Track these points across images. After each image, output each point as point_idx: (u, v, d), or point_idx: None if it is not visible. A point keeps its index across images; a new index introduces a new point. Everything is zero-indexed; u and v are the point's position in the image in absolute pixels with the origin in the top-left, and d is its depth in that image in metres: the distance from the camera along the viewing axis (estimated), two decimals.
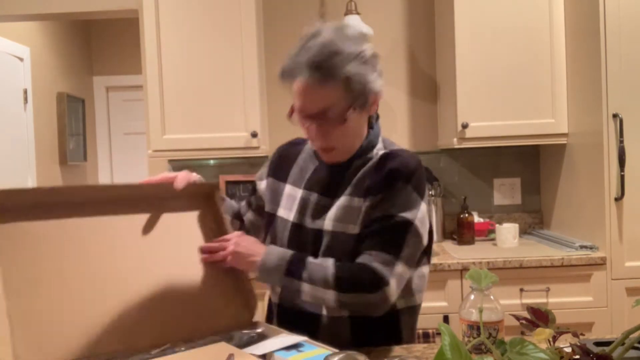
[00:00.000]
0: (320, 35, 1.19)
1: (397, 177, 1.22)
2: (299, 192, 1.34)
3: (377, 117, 1.36)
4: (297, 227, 1.30)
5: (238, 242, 1.22)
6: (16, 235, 1.02)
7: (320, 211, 1.28)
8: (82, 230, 1.10)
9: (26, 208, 1.05)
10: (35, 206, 1.06)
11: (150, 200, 1.22)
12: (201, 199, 1.30)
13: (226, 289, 1.24)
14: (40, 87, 4.06)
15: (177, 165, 2.75)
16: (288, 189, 1.37)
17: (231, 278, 1.24)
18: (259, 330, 1.15)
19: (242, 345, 1.10)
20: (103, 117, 5.08)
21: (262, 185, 1.45)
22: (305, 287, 1.18)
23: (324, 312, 1.25)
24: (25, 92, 3.80)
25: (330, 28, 1.21)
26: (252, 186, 1.51)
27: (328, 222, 1.26)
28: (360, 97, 1.21)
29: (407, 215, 1.21)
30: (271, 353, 1.06)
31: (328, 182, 1.30)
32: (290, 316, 1.29)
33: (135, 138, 5.03)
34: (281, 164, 1.42)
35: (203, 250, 1.22)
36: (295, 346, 1.09)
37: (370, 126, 1.33)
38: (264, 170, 1.48)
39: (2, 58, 3.53)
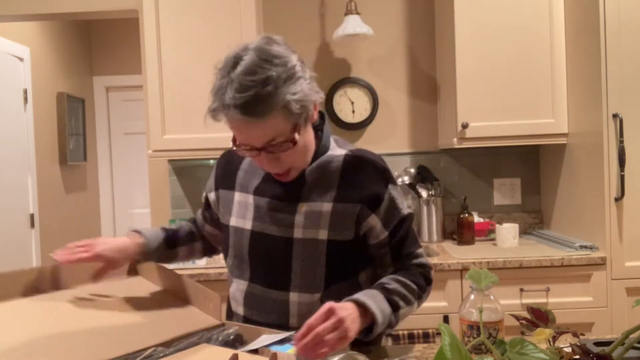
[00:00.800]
0: (241, 63, 1.08)
1: (386, 182, 1.26)
2: (249, 198, 1.29)
3: (322, 115, 1.31)
4: (258, 236, 1.26)
5: (342, 313, 1.04)
6: None
7: (284, 218, 1.24)
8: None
9: None
10: None
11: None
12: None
13: (187, 298, 1.25)
14: (40, 87, 4.06)
15: (177, 165, 2.75)
16: (237, 196, 1.32)
17: (188, 287, 1.25)
18: (231, 330, 1.15)
19: (221, 345, 1.10)
20: (103, 117, 5.08)
21: (212, 196, 1.40)
22: (402, 313, 1.20)
23: (291, 324, 1.23)
24: (25, 92, 3.80)
25: (251, 50, 1.10)
26: (204, 199, 1.46)
27: (297, 229, 1.23)
28: (303, 114, 1.14)
29: (409, 209, 1.30)
30: (264, 348, 1.06)
31: (284, 187, 1.26)
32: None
33: (135, 138, 5.03)
34: (226, 172, 1.36)
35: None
36: (287, 340, 1.09)
37: (319, 128, 1.29)
38: (211, 181, 1.41)
39: (2, 58, 3.53)
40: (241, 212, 1.29)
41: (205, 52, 2.41)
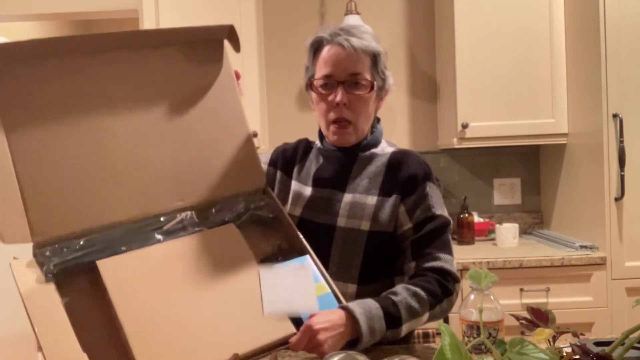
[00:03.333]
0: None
1: (424, 178, 1.28)
2: (306, 189, 1.36)
3: (379, 119, 1.40)
4: (306, 223, 1.31)
5: (321, 336, 1.02)
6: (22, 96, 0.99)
7: (329, 206, 1.30)
8: (87, 85, 1.06)
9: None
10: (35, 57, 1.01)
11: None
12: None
13: (234, 153, 1.20)
14: None
15: None
16: (294, 185, 1.39)
17: (237, 146, 1.21)
18: (263, 202, 1.19)
19: (249, 226, 1.14)
20: None
21: (264, 167, 1.45)
22: (405, 327, 1.14)
23: None
24: None
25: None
26: None
27: (340, 218, 1.28)
28: (381, 79, 1.31)
29: (445, 213, 1.28)
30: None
31: (334, 177, 1.33)
32: None
33: None
34: (288, 161, 1.44)
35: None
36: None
37: (373, 126, 1.38)
38: (265, 158, 1.47)
39: None
40: (295, 200, 1.37)
41: None
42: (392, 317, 1.12)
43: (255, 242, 1.15)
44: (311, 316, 1.04)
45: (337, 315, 1.07)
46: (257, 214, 1.20)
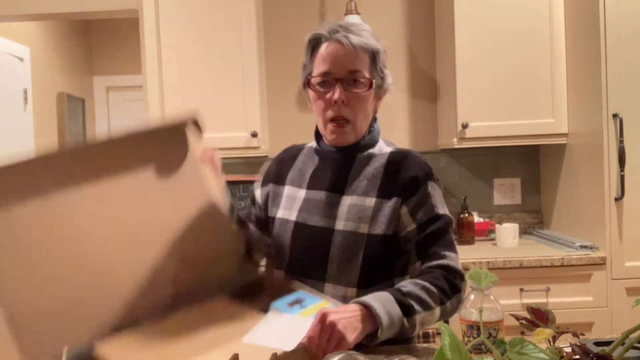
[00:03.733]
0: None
1: (425, 178, 1.27)
2: (300, 192, 1.34)
3: (375, 118, 1.39)
4: (302, 227, 1.30)
5: (333, 317, 1.02)
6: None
7: (328, 209, 1.28)
8: (66, 206, 1.06)
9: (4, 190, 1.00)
10: (10, 187, 1.02)
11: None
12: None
13: (209, 234, 1.20)
14: (40, 87, 4.06)
15: None
16: (287, 189, 1.37)
17: (212, 227, 1.21)
18: (247, 266, 1.19)
19: (237, 293, 1.14)
20: (103, 117, 5.08)
21: (258, 192, 1.45)
22: (418, 318, 1.13)
23: None
24: (25, 92, 3.80)
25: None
26: (251, 197, 1.49)
27: (339, 221, 1.26)
28: (380, 77, 1.29)
29: (447, 212, 1.27)
30: (274, 309, 1.09)
31: (332, 178, 1.31)
32: None
33: None
34: (279, 169, 1.43)
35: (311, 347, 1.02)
36: (296, 301, 1.11)
37: (371, 125, 1.36)
38: (259, 181, 1.47)
39: (2, 58, 3.53)
40: (288, 204, 1.34)
41: (205, 51, 2.41)
42: (404, 306, 1.11)
43: (250, 303, 1.15)
44: None
45: (350, 306, 1.07)
46: (244, 279, 1.20)
